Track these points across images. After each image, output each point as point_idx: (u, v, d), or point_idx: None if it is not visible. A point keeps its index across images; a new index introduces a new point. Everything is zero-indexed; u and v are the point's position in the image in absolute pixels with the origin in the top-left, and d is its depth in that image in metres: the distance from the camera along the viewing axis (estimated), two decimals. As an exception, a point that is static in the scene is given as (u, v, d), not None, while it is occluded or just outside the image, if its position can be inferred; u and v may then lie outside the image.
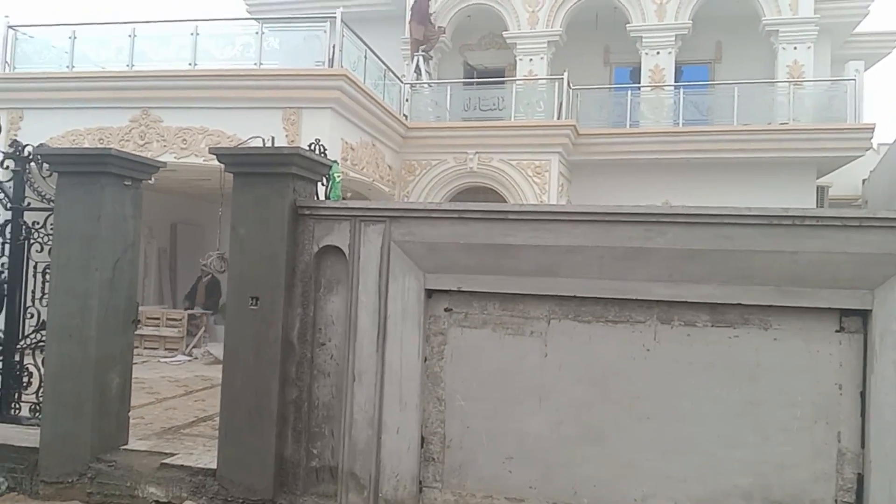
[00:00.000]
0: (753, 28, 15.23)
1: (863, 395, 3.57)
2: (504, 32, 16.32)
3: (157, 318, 12.37)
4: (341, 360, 4.14)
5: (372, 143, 12.29)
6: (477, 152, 13.66)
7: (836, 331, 3.62)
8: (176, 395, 8.11)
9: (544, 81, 15.07)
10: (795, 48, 14.75)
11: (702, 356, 3.72)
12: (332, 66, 10.44)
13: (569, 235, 3.79)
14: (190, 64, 10.96)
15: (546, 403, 3.90)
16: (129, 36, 11.28)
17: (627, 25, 15.63)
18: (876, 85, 17.05)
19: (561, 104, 13.98)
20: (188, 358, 11.75)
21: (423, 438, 4.06)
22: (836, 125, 13.48)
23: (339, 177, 5.33)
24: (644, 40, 15.48)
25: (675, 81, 15.46)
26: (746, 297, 3.62)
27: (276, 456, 4.10)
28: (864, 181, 17.15)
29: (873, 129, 13.31)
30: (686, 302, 3.72)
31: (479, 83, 16.03)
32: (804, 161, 13.76)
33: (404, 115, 13.90)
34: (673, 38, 15.37)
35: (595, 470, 3.81)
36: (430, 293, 4.07)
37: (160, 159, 6.20)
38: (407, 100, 14.41)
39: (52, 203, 4.90)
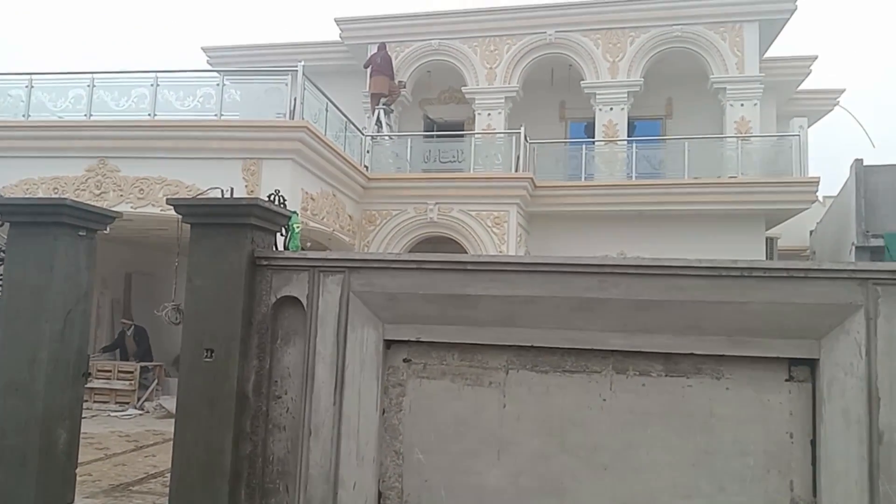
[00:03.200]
0: (702, 85, 15.86)
1: (813, 443, 3.63)
2: (463, 88, 16.72)
3: (109, 371, 12.05)
4: (297, 414, 4.08)
5: (332, 194, 12.33)
6: (437, 203, 13.79)
7: (786, 380, 3.70)
8: (126, 451, 7.86)
9: (502, 135, 15.40)
10: (742, 105, 15.37)
11: (657, 406, 3.76)
12: (293, 118, 10.52)
13: (526, 286, 3.84)
14: (149, 114, 10.94)
15: (504, 455, 3.88)
16: (88, 86, 11.23)
17: (582, 82, 16.13)
18: (819, 140, 17.74)
19: (518, 157, 14.27)
20: (140, 412, 11.43)
21: (380, 493, 3.99)
22: (782, 179, 13.98)
23: (298, 227, 5.33)
24: (598, 96, 15.97)
25: (628, 136, 15.94)
26: (699, 346, 3.69)
27: (229, 513, 3.98)
28: (811, 232, 17.77)
29: (818, 182, 13.85)
30: (641, 352, 3.77)
31: (438, 136, 16.30)
32: (753, 213, 14.20)
33: (365, 165, 14.02)
34: (625, 95, 15.89)
35: (554, 522, 3.78)
36: (388, 344, 4.06)
37: (116, 209, 6.13)
38: (368, 151, 14.56)
39: (2, 253, 4.79)
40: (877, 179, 12.48)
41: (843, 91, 18.59)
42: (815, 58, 17.01)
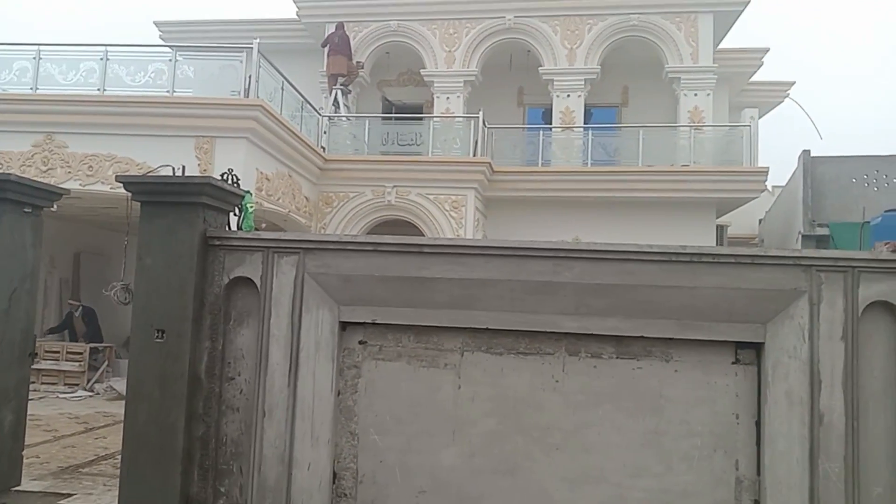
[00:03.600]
0: (657, 74, 16.06)
1: (758, 424, 3.76)
2: (422, 70, 16.61)
3: (57, 352, 11.76)
4: (251, 395, 4.05)
5: (288, 174, 12.18)
6: (395, 186, 13.74)
7: (733, 363, 3.82)
8: (75, 433, 7.70)
9: (461, 119, 15.38)
10: (696, 95, 15.63)
11: (608, 387, 3.85)
12: (247, 97, 10.33)
13: (482, 269, 3.87)
14: (98, 89, 10.62)
15: (459, 436, 3.93)
16: (34, 58, 10.84)
17: (540, 68, 16.18)
18: (769, 131, 18.15)
19: (477, 142, 14.28)
20: (89, 393, 11.19)
21: (335, 474, 4.00)
22: (733, 168, 14.28)
23: (251, 207, 5.26)
24: (555, 83, 16.06)
25: (585, 123, 16.07)
26: (649, 329, 3.78)
27: (181, 495, 3.94)
28: (760, 221, 18.24)
29: (767, 172, 14.19)
30: (592, 335, 3.84)
31: (397, 118, 16.21)
32: (704, 201, 14.49)
33: (322, 147, 13.87)
34: (582, 82, 16.01)
35: (507, 501, 3.84)
36: (344, 326, 4.06)
37: (64, 186, 5.94)
38: (325, 132, 14.39)
39: (-59, 230, 4.62)
40: (823, 170, 12.85)
41: (793, 83, 19.04)
42: (767, 50, 17.38)
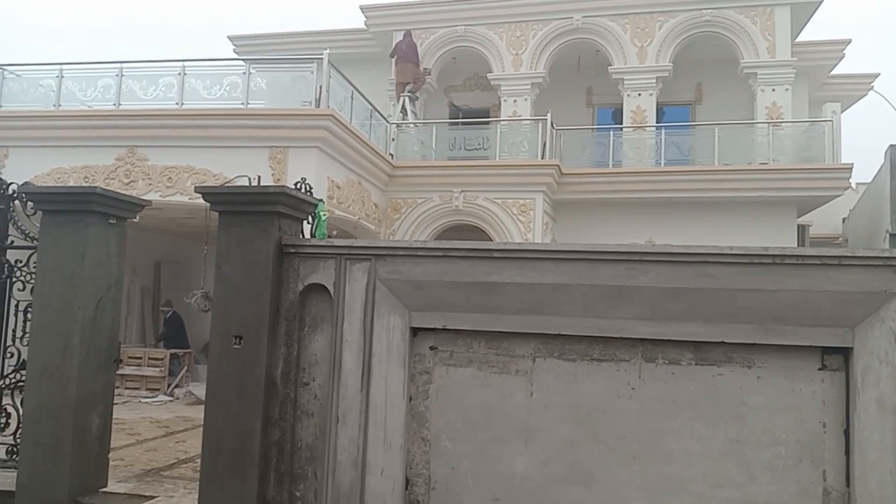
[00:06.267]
0: (732, 70, 15.59)
1: (846, 433, 3.57)
2: (488, 74, 16.61)
3: (140, 358, 12.23)
4: (325, 400, 4.10)
5: (358, 182, 12.35)
6: (462, 191, 13.76)
7: (819, 369, 3.64)
8: (157, 437, 7.98)
9: (528, 122, 15.29)
10: (774, 90, 15.09)
11: (686, 395, 3.72)
12: (318, 107, 10.54)
13: (553, 274, 3.81)
14: (177, 103, 11.04)
15: (532, 443, 3.87)
16: (117, 75, 11.35)
17: (609, 68, 15.94)
18: (853, 125, 17.38)
19: (545, 144, 14.16)
20: (170, 398, 11.60)
21: (407, 480, 4.01)
22: (814, 165, 13.72)
23: (324, 215, 5.35)
24: (626, 82, 15.78)
25: (657, 122, 15.74)
26: (729, 335, 3.64)
27: (258, 499, 4.02)
28: (843, 220, 17.42)
29: (851, 168, 13.57)
30: (670, 340, 3.73)
31: (464, 123, 16.24)
32: (784, 200, 13.96)
33: (390, 154, 14.02)
34: (654, 81, 15.68)
35: (581, 511, 3.77)
36: (415, 331, 4.06)
37: (145, 198, 6.19)
38: (393, 139, 14.55)
39: (35, 241, 4.87)
40: (912, 165, 12.19)
41: (877, 76, 18.16)
42: (849, 42, 16.62)
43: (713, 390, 3.69)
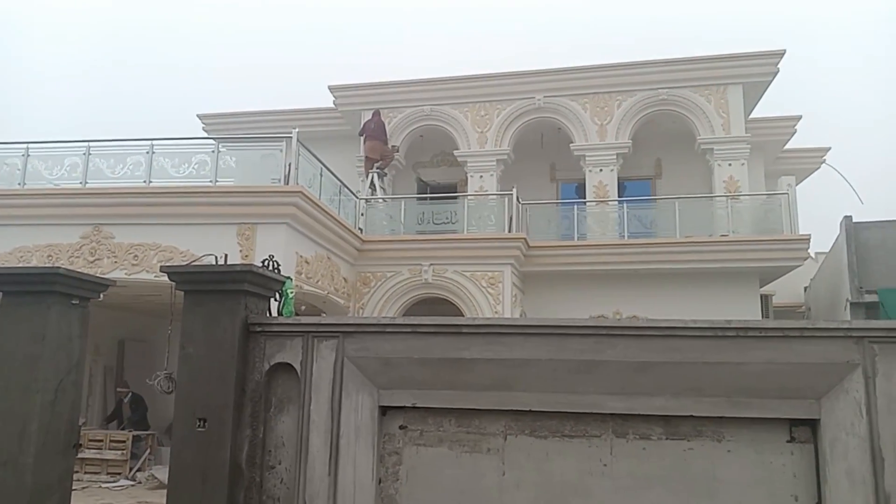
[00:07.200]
0: (690, 146, 16.13)
1: (818, 505, 3.57)
2: (455, 151, 16.97)
3: (101, 440, 11.81)
4: (291, 484, 3.99)
5: (327, 257, 12.35)
6: (431, 264, 13.81)
7: (788, 441, 3.66)
8: (115, 525, 7.63)
9: (494, 197, 15.54)
10: (730, 164, 15.60)
11: (658, 470, 3.70)
12: (287, 183, 10.61)
13: (522, 348, 3.82)
14: (145, 181, 11.02)
15: (504, 524, 3.79)
16: (84, 154, 11.34)
17: (571, 145, 16.40)
18: (809, 196, 17.99)
19: (511, 218, 14.37)
20: (132, 482, 11.15)
21: (377, 566, 3.87)
22: (773, 236, 14.06)
23: (292, 292, 5.32)
24: (587, 158, 16.22)
25: (619, 196, 16.10)
26: (698, 408, 3.65)
27: (220, 590, 3.84)
28: (805, 289, 17.81)
29: (809, 239, 13.92)
30: (640, 415, 3.73)
31: (432, 198, 16.44)
32: (747, 271, 14.23)
33: (359, 228, 14.09)
34: (614, 157, 16.14)
35: None
36: (384, 410, 4.01)
37: (110, 276, 6.12)
38: (362, 214, 14.65)
39: (-7, 323, 4.74)
40: (867, 235, 12.61)
41: (828, 149, 18.91)
42: (800, 118, 17.38)
43: (684, 465, 3.68)
